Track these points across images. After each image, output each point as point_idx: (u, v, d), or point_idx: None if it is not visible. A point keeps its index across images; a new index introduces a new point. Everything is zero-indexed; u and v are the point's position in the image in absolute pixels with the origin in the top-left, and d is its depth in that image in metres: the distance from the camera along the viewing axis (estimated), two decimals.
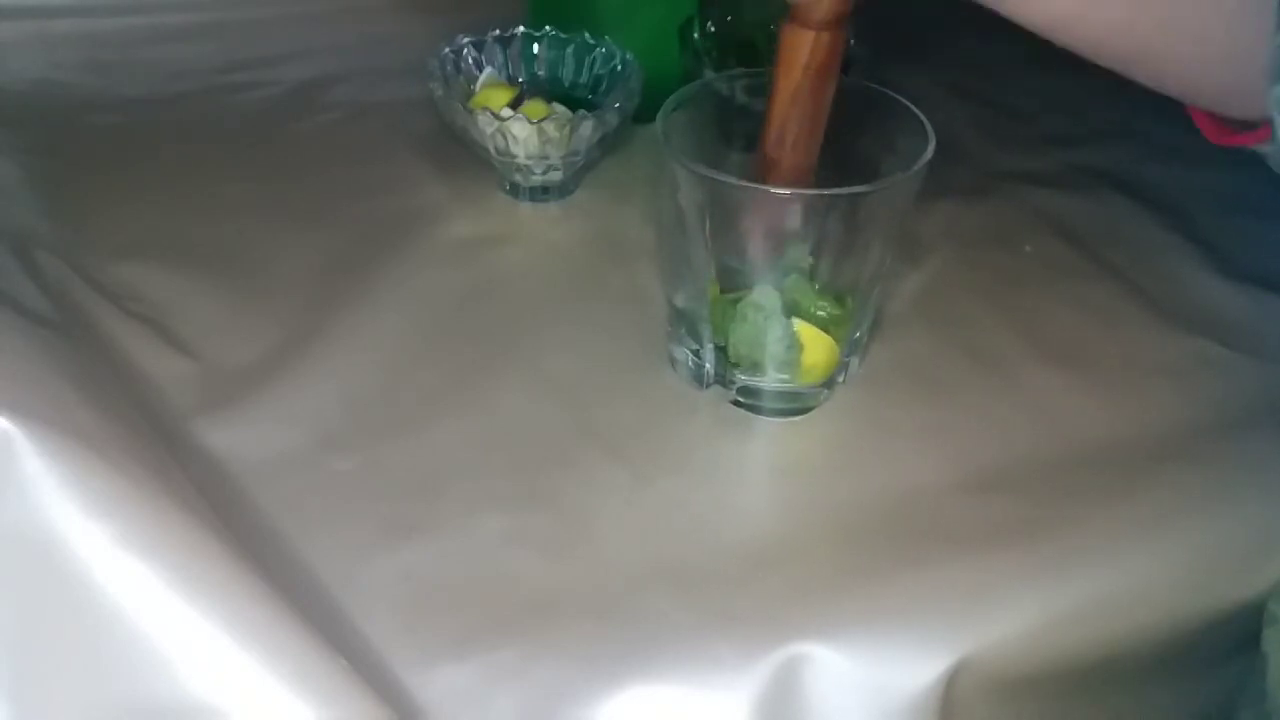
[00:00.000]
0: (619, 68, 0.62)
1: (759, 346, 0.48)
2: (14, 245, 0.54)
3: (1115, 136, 0.69)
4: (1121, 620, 0.44)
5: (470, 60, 0.64)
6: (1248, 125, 0.44)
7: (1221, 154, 0.51)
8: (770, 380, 0.48)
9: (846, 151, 0.46)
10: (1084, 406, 0.51)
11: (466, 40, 0.63)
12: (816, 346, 0.48)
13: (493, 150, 0.59)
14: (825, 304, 0.48)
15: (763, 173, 0.46)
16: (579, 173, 0.63)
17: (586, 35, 0.64)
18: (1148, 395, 0.52)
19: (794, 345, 0.47)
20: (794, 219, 0.46)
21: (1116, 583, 0.44)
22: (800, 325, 0.47)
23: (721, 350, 0.49)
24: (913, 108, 0.46)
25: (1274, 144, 0.40)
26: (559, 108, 0.61)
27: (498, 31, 0.64)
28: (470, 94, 0.63)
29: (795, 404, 0.50)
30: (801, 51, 0.44)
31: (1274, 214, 0.61)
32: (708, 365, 0.49)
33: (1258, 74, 0.39)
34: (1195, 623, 0.45)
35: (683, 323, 0.50)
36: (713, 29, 0.63)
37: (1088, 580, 0.43)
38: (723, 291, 0.48)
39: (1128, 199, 0.64)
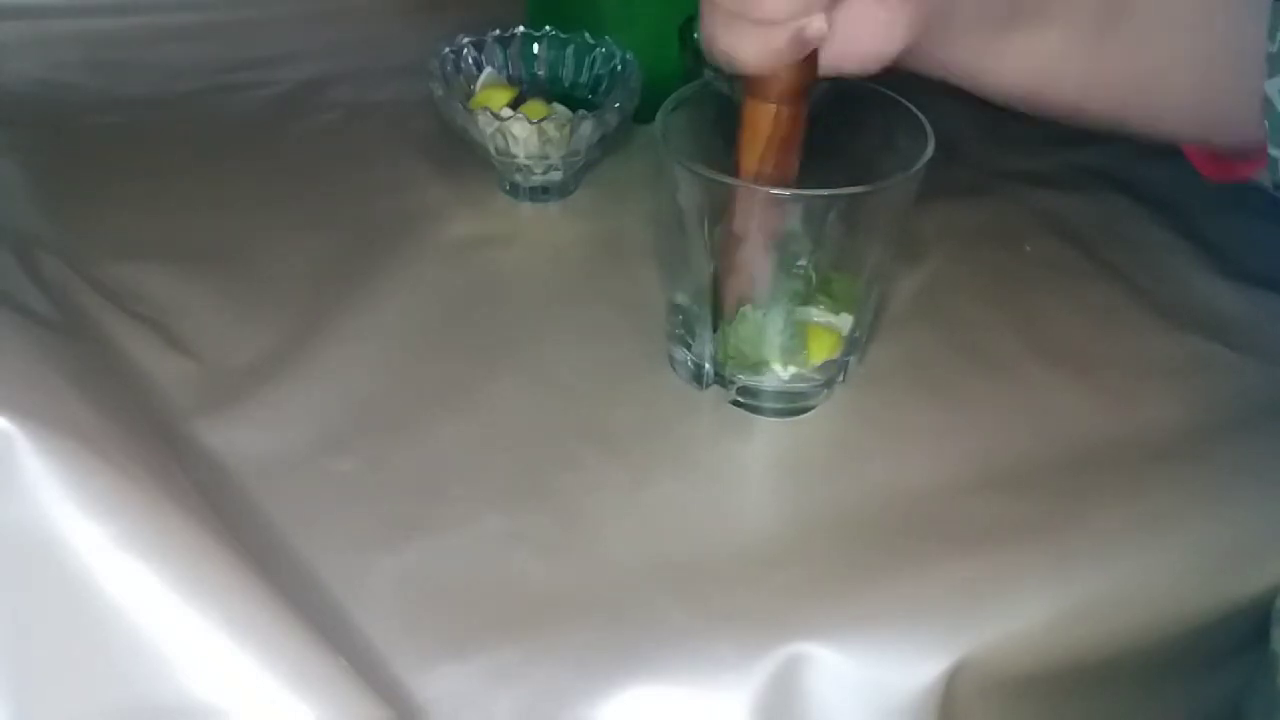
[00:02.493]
0: (619, 68, 0.62)
1: (761, 343, 0.48)
2: (14, 245, 0.54)
3: (1115, 136, 0.69)
4: (1122, 620, 0.44)
5: (470, 60, 0.63)
6: (1241, 155, 0.44)
7: None
8: (776, 376, 0.48)
9: (846, 151, 0.46)
10: (1084, 406, 0.51)
11: (466, 40, 0.63)
12: (817, 332, 0.48)
13: (493, 150, 0.59)
14: (825, 303, 0.48)
15: (728, 248, 0.46)
16: (579, 173, 0.63)
17: (586, 35, 0.64)
18: (1148, 395, 0.52)
19: (798, 334, 0.47)
20: (794, 219, 0.46)
21: (1117, 582, 0.44)
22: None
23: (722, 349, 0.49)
24: (913, 108, 0.46)
25: (1269, 150, 0.40)
26: (559, 108, 0.61)
27: (498, 31, 0.64)
28: (470, 94, 0.63)
29: (795, 404, 0.50)
30: (763, 127, 0.43)
31: (1274, 214, 0.61)
32: (708, 365, 0.49)
33: (1244, 91, 0.39)
34: (1196, 623, 0.45)
35: (682, 323, 0.50)
36: None
37: (1088, 580, 0.43)
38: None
39: (1128, 199, 0.64)
